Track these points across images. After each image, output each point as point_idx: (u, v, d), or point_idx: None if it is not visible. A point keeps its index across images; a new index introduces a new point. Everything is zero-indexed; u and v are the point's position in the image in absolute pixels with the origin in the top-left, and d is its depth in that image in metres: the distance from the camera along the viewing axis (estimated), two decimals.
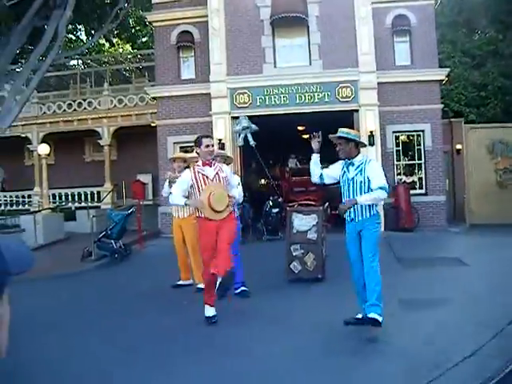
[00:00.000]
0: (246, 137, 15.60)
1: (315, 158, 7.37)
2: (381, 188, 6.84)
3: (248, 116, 16.56)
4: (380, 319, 6.72)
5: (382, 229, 17.21)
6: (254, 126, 15.66)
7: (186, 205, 7.77)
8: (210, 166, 7.65)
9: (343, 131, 7.09)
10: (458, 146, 21.92)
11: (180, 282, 10.29)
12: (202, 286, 9.21)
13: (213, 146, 7.99)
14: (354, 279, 7.19)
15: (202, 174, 7.54)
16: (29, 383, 5.62)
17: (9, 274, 0.81)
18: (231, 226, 7.67)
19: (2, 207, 23.73)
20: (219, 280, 7.17)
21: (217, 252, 7.36)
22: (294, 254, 10.28)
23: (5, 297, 0.80)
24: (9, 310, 0.83)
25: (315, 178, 7.43)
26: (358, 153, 7.06)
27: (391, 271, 10.85)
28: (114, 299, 9.93)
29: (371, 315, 6.70)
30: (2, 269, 0.79)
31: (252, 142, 15.36)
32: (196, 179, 7.52)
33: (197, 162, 8.16)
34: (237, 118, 19.11)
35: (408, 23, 19.46)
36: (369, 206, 6.98)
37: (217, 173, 7.62)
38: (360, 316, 7.03)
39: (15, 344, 0.84)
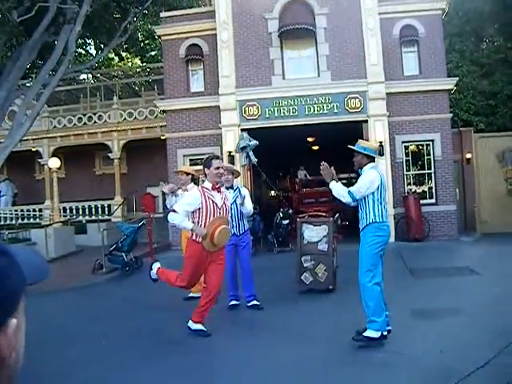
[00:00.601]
0: (248, 155, 15.57)
1: (336, 186, 7.17)
2: (349, 192, 6.99)
3: (257, 128, 16.57)
4: (376, 335, 6.70)
5: (392, 239, 17.31)
6: (253, 142, 15.56)
7: (191, 230, 7.48)
8: (219, 192, 7.62)
9: (357, 144, 7.21)
10: (468, 156, 21.87)
11: (191, 295, 10.28)
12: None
13: (223, 167, 7.97)
14: None
15: (212, 201, 7.47)
16: None
17: (25, 284, 0.84)
18: (223, 258, 7.74)
19: (14, 221, 23.81)
20: None
21: (210, 278, 7.58)
22: (305, 265, 10.27)
23: (21, 307, 0.83)
24: (24, 321, 0.85)
25: (351, 202, 7.09)
26: (369, 162, 7.12)
27: (403, 281, 10.87)
28: (126, 312, 9.95)
29: (366, 333, 6.72)
30: (18, 279, 0.82)
31: (254, 160, 15.29)
32: (206, 204, 7.40)
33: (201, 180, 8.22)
34: (245, 130, 19.20)
35: (416, 33, 19.47)
36: (366, 214, 6.99)
37: (224, 202, 7.61)
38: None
39: (26, 355, 0.86)
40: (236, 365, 6.44)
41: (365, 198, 6.97)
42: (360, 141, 7.40)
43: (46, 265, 0.97)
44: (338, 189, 7.15)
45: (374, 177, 6.99)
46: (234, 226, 9.05)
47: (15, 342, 0.80)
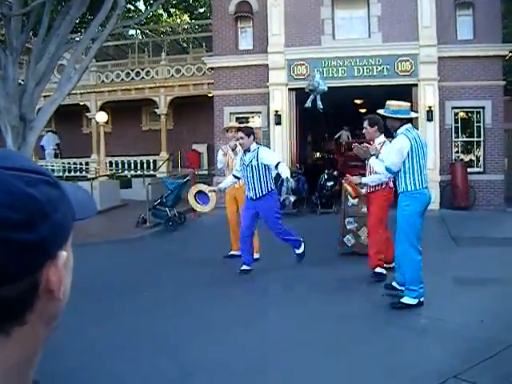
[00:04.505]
0: (314, 99, 14.97)
1: (376, 164, 7.25)
2: (386, 169, 6.96)
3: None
4: (414, 302, 6.68)
5: (437, 206, 17.11)
6: (322, 87, 14.83)
7: None
8: None
9: (387, 108, 7.15)
10: None
11: (232, 253, 10.35)
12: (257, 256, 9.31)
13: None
14: None
15: None
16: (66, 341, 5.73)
17: (74, 218, 0.83)
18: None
19: (61, 173, 24.20)
20: None
21: None
22: (348, 227, 10.24)
23: (69, 242, 0.82)
24: (72, 257, 0.85)
25: (392, 175, 7.20)
26: (402, 125, 6.99)
27: (446, 249, 10.79)
28: (168, 265, 10.07)
29: (404, 300, 6.73)
30: (69, 212, 0.81)
31: (319, 106, 14.65)
32: None
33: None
34: (293, 89, 19.01)
35: None
36: (398, 183, 6.97)
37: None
38: (395, 284, 7.23)
39: (68, 303, 0.85)
40: (271, 323, 6.48)
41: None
42: (389, 103, 7.21)
43: (93, 202, 0.97)
44: (378, 168, 7.15)
45: (403, 143, 6.84)
46: (249, 189, 9.06)
47: (64, 276, 0.79)
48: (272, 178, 9.09)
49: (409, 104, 7.43)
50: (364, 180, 7.64)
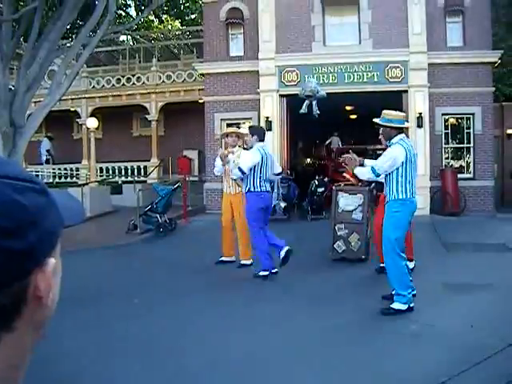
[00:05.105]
0: (311, 104, 14.81)
1: (359, 170, 7.36)
2: (372, 168, 7.04)
3: (296, 94, 16.17)
4: (403, 307, 6.70)
5: (427, 212, 17.14)
6: (321, 92, 14.69)
7: None
8: None
9: (383, 117, 7.19)
10: (509, 131, 21.43)
11: (223, 259, 10.34)
12: (246, 262, 9.31)
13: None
14: None
15: None
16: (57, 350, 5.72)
17: (62, 225, 0.84)
18: None
19: (51, 179, 24.11)
20: None
21: None
22: (339, 233, 10.26)
23: (58, 249, 0.82)
24: (60, 264, 0.85)
25: (375, 177, 7.34)
26: (398, 133, 7.08)
27: (436, 255, 10.83)
28: (158, 272, 10.04)
29: (393, 305, 6.75)
30: (57, 219, 0.82)
31: (315, 112, 14.54)
32: None
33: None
34: (284, 96, 19.02)
35: (461, 3, 18.88)
36: (389, 190, 7.01)
37: None
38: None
39: (58, 309, 0.86)
40: (263, 328, 6.48)
41: (390, 173, 6.93)
42: (384, 112, 7.29)
43: (81, 209, 0.97)
44: (361, 171, 7.28)
45: (398, 152, 6.90)
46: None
47: (53, 283, 0.79)
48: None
49: (404, 114, 7.53)
50: (356, 170, 7.43)
